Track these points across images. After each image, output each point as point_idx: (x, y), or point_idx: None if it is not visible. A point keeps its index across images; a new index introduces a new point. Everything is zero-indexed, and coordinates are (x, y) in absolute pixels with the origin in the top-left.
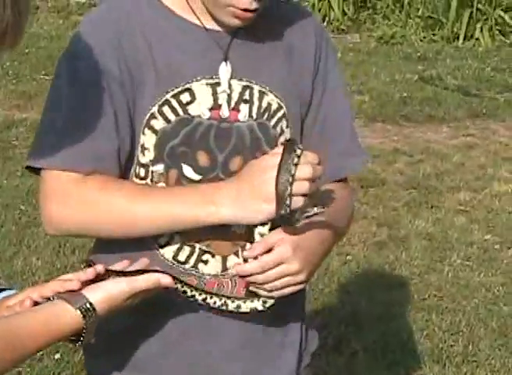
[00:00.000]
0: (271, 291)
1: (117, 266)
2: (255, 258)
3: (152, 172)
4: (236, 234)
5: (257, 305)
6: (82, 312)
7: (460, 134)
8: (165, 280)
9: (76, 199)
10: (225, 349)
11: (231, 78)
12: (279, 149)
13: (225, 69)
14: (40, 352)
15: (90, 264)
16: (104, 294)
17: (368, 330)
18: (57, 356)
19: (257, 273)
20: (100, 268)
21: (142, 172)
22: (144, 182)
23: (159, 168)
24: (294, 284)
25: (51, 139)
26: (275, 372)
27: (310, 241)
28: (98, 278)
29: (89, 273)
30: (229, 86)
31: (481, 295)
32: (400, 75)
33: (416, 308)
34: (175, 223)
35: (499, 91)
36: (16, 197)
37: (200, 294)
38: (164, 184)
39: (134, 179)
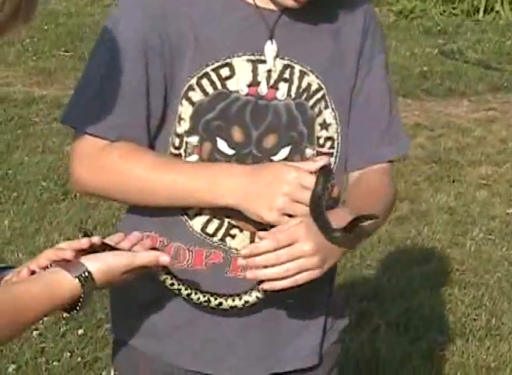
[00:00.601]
0: (284, 278)
1: (113, 239)
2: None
3: (186, 143)
4: None
5: (238, 303)
6: (80, 281)
7: (481, 108)
8: (163, 258)
9: (99, 164)
10: (245, 325)
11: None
12: (307, 166)
13: (270, 48)
14: (64, 328)
15: (86, 234)
16: (103, 266)
17: (390, 305)
18: (80, 332)
19: (269, 252)
20: (96, 239)
21: (177, 142)
22: (177, 152)
23: (193, 140)
24: (307, 269)
25: (84, 102)
26: (295, 349)
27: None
28: (94, 249)
29: (83, 242)
30: (267, 61)
31: (503, 269)
32: (420, 49)
33: (438, 282)
34: (186, 199)
35: None
36: (37, 173)
37: (186, 289)
38: (197, 156)
39: (170, 148)
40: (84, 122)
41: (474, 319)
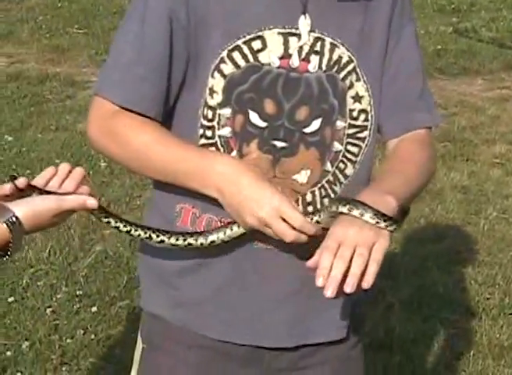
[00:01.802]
0: (365, 267)
1: (40, 180)
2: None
3: (219, 115)
4: (298, 183)
5: (204, 242)
6: (8, 226)
7: (495, 87)
8: (91, 202)
9: (107, 127)
10: (273, 297)
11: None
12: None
13: (304, 22)
14: (77, 305)
15: (13, 179)
16: (30, 210)
17: (403, 283)
18: (93, 309)
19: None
20: (22, 181)
21: (210, 114)
22: (210, 124)
23: (226, 112)
24: (372, 244)
25: (107, 69)
26: (324, 322)
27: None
28: (24, 194)
29: (6, 188)
30: (302, 36)
31: None
32: (434, 27)
33: (452, 261)
34: (176, 179)
35: None
36: (50, 151)
37: (124, 226)
38: (229, 128)
39: (202, 120)
40: (102, 86)
41: (488, 298)
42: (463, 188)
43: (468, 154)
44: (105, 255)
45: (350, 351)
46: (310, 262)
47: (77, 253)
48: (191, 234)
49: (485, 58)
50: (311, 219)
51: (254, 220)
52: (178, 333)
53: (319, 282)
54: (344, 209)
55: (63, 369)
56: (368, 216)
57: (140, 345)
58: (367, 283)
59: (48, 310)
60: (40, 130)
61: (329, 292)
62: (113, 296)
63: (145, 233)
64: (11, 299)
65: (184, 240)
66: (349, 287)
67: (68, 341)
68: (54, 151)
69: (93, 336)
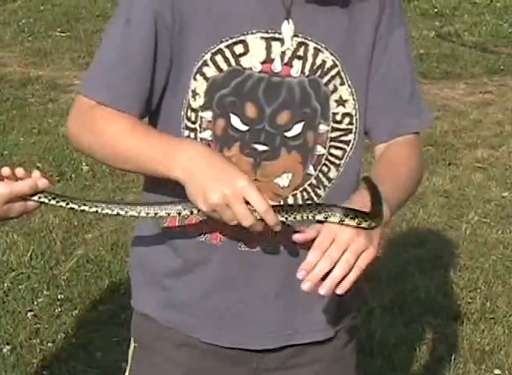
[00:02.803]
0: (348, 272)
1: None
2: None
3: (201, 117)
4: (279, 187)
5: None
6: None
7: (477, 91)
8: (42, 181)
9: (84, 121)
10: (259, 300)
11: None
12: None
13: (287, 27)
14: (59, 309)
15: None
16: None
17: (385, 288)
18: (75, 313)
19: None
20: None
21: (193, 116)
22: (193, 126)
23: (207, 115)
24: (361, 251)
25: (91, 69)
26: (311, 322)
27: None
28: None
29: None
30: (285, 41)
31: (498, 252)
32: (417, 31)
33: (433, 265)
34: (145, 167)
35: None
36: (32, 154)
37: (67, 204)
38: (210, 132)
39: (186, 122)
40: (83, 85)
41: (469, 303)
42: (445, 192)
43: (450, 158)
44: (87, 259)
45: (341, 350)
46: (297, 236)
47: (59, 257)
48: (125, 204)
49: (468, 62)
50: (278, 213)
51: (217, 197)
52: (168, 333)
53: (300, 275)
54: (320, 217)
55: (44, 373)
56: (347, 219)
57: (132, 345)
58: (342, 288)
59: (29, 314)
60: (22, 134)
61: (306, 286)
62: (95, 300)
63: (82, 205)
64: None
65: (112, 210)
66: (324, 289)
67: (49, 344)
68: (36, 155)
69: (74, 340)
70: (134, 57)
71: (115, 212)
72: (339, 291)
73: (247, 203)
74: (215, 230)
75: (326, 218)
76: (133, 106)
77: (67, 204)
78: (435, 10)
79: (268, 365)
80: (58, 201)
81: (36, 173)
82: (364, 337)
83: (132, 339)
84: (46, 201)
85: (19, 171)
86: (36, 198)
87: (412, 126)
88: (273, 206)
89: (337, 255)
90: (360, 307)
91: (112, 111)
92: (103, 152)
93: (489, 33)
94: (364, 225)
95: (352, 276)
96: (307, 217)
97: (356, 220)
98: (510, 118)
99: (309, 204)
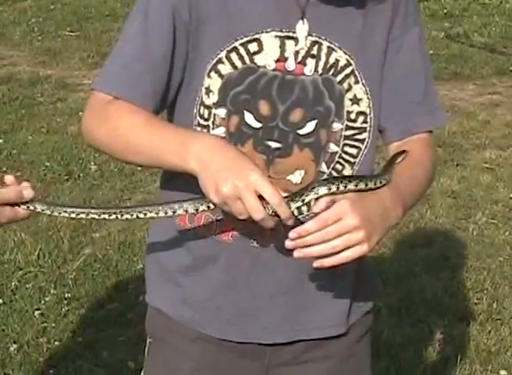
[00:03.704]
0: (333, 254)
1: None
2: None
3: (214, 115)
4: (292, 183)
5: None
6: None
7: (486, 92)
8: (28, 191)
9: (99, 116)
10: (270, 295)
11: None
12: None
13: (302, 27)
14: (66, 308)
15: None
16: None
17: (392, 288)
18: (82, 312)
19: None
20: None
21: (206, 113)
22: (206, 123)
23: (221, 112)
24: (354, 244)
25: (107, 65)
26: (322, 317)
27: (373, 205)
28: None
29: None
30: (299, 41)
31: (506, 253)
32: (426, 32)
33: (440, 266)
34: (158, 160)
35: None
36: (41, 153)
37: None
38: (224, 129)
39: (198, 119)
40: (99, 80)
41: (476, 303)
42: (452, 193)
43: (458, 159)
44: (94, 258)
45: (353, 347)
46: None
47: (66, 256)
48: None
49: (477, 63)
50: (291, 202)
51: (228, 189)
52: (180, 328)
53: (291, 234)
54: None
55: (51, 371)
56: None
57: (147, 340)
58: (318, 263)
59: (37, 313)
60: (31, 133)
61: (290, 245)
62: (102, 299)
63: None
64: None
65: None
66: (296, 253)
67: (56, 343)
68: (44, 154)
69: (81, 339)
70: (153, 53)
71: (112, 217)
72: (314, 264)
73: (259, 197)
74: (227, 227)
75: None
76: (150, 101)
77: (52, 212)
78: (445, 11)
79: (281, 359)
80: (43, 210)
81: (25, 183)
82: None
83: (147, 335)
84: (34, 208)
85: (9, 179)
86: (26, 206)
87: (425, 125)
88: (285, 197)
89: (332, 236)
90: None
91: (127, 105)
92: (116, 145)
93: (498, 35)
94: (370, 185)
95: (332, 261)
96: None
97: (363, 183)
98: None
99: (319, 181)
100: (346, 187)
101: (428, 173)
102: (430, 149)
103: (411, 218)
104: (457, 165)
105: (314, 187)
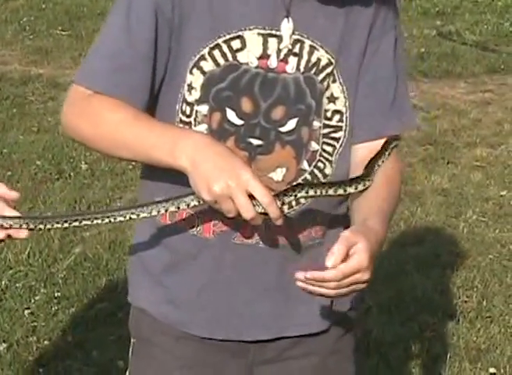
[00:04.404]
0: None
1: None
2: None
3: (196, 111)
4: (273, 181)
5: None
6: None
7: (477, 90)
8: (13, 193)
9: (80, 109)
10: (253, 292)
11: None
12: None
13: (287, 26)
14: (55, 307)
15: None
16: None
17: (382, 286)
18: (72, 311)
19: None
20: None
21: (188, 110)
22: (188, 120)
23: (203, 109)
24: (357, 289)
25: (88, 59)
26: (304, 314)
27: (376, 244)
28: None
29: None
30: (283, 39)
31: (495, 251)
32: (418, 30)
33: (431, 264)
34: (147, 155)
35: None
36: (32, 152)
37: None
38: (206, 125)
39: (180, 116)
40: (79, 74)
41: (466, 301)
42: (443, 191)
43: (449, 157)
44: (84, 257)
45: (336, 343)
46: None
47: (56, 255)
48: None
49: (468, 61)
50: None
51: (220, 188)
52: (164, 327)
53: (307, 276)
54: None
55: (40, 371)
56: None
57: (131, 341)
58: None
59: (26, 312)
60: (21, 132)
61: (300, 285)
62: (92, 298)
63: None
64: None
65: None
66: (305, 286)
67: (45, 342)
68: (35, 153)
69: (71, 338)
70: (136, 49)
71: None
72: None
73: (249, 196)
74: (208, 224)
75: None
76: (132, 96)
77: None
78: (437, 9)
79: (265, 357)
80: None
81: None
82: (360, 335)
83: (131, 335)
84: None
85: None
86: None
87: (392, 129)
88: (275, 194)
89: (345, 286)
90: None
91: (109, 100)
92: (102, 142)
93: (490, 33)
94: (360, 188)
95: (332, 294)
96: (316, 193)
97: (353, 187)
98: (509, 117)
99: (310, 183)
100: (327, 192)
101: (397, 194)
102: (397, 160)
103: (401, 216)
104: (448, 163)
105: (294, 190)
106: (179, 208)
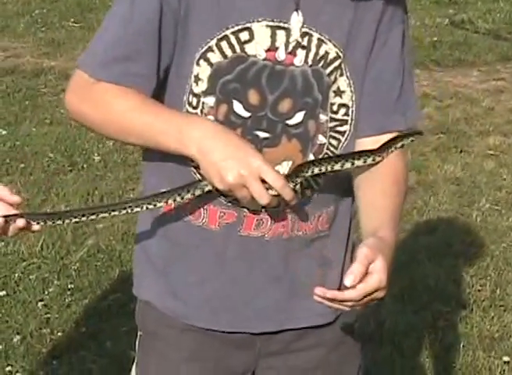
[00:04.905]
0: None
1: None
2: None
3: (203, 103)
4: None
5: None
6: None
7: (490, 78)
8: (15, 198)
9: (87, 95)
10: (258, 284)
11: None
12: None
13: (296, 19)
14: (69, 299)
15: None
16: None
17: (394, 276)
18: (85, 303)
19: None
20: None
21: (194, 101)
22: (194, 111)
23: (210, 101)
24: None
25: (93, 44)
26: (310, 306)
27: (390, 257)
28: None
29: None
30: (293, 32)
31: (509, 239)
32: (431, 19)
33: (444, 253)
34: (156, 142)
35: None
36: (44, 144)
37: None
38: (212, 117)
39: (187, 107)
40: (85, 59)
41: (479, 290)
42: (456, 180)
43: (462, 145)
44: (98, 249)
45: (342, 336)
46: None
47: (70, 247)
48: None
49: (481, 49)
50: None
51: (233, 177)
52: (170, 319)
53: (329, 294)
54: (338, 167)
55: (54, 362)
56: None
57: (138, 334)
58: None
59: (40, 304)
60: (34, 124)
61: (318, 300)
62: (105, 289)
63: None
64: (2, 293)
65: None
66: (324, 302)
67: (59, 334)
68: (48, 145)
69: (84, 329)
70: (138, 37)
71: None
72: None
73: (262, 181)
74: (214, 215)
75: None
76: (138, 84)
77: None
78: None
79: (271, 348)
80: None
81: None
82: (373, 325)
83: (138, 328)
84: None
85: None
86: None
87: (396, 125)
88: (286, 175)
89: (363, 304)
90: None
91: (115, 87)
92: (110, 128)
93: (503, 21)
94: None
95: (347, 309)
96: (327, 169)
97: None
98: None
99: (321, 159)
100: (332, 167)
101: (404, 194)
102: (405, 155)
103: (414, 205)
104: (461, 151)
105: (302, 170)
106: (194, 194)
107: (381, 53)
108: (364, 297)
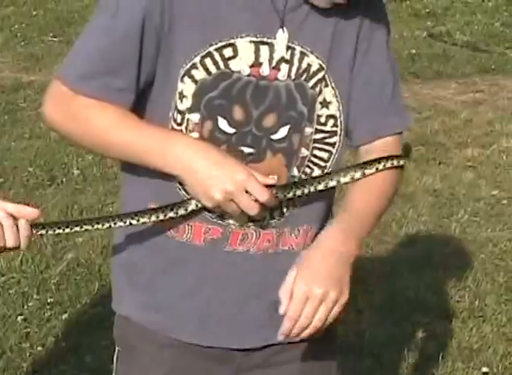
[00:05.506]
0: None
1: None
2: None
3: (188, 120)
4: None
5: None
6: None
7: (468, 90)
8: (32, 209)
9: (65, 107)
10: (240, 300)
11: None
12: (259, 176)
13: (282, 35)
14: (48, 313)
15: None
16: None
17: (374, 288)
18: (65, 317)
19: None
20: None
21: (179, 118)
22: (179, 128)
23: (195, 117)
24: (333, 305)
25: (72, 56)
26: None
27: (323, 262)
28: None
29: None
30: (278, 48)
31: (487, 251)
32: (409, 32)
33: (423, 264)
34: (139, 158)
35: (509, 46)
36: (23, 159)
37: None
38: (197, 134)
39: (172, 124)
40: (64, 70)
41: (458, 301)
42: (435, 192)
43: (441, 157)
44: (77, 263)
45: (320, 351)
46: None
47: (49, 261)
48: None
49: (459, 62)
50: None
51: (220, 194)
52: (149, 334)
53: (283, 336)
54: (321, 187)
55: None
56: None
57: (116, 348)
58: (313, 328)
59: (20, 318)
60: (13, 139)
61: (285, 335)
62: (85, 304)
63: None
64: None
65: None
66: (304, 335)
67: (39, 348)
68: (27, 159)
69: (64, 343)
70: (118, 51)
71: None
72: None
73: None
74: (199, 231)
75: (326, 186)
76: (116, 99)
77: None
78: (427, 10)
79: (251, 363)
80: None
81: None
82: (353, 336)
83: (116, 343)
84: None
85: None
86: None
87: (394, 127)
88: (277, 187)
89: (312, 313)
90: (349, 307)
91: (95, 102)
92: (91, 143)
93: (481, 33)
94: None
95: (318, 324)
96: (309, 191)
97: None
98: (500, 117)
99: (306, 179)
100: (316, 189)
101: (385, 207)
102: (393, 173)
103: (394, 217)
104: (440, 163)
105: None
106: (177, 213)
107: (366, 59)
108: (302, 307)
